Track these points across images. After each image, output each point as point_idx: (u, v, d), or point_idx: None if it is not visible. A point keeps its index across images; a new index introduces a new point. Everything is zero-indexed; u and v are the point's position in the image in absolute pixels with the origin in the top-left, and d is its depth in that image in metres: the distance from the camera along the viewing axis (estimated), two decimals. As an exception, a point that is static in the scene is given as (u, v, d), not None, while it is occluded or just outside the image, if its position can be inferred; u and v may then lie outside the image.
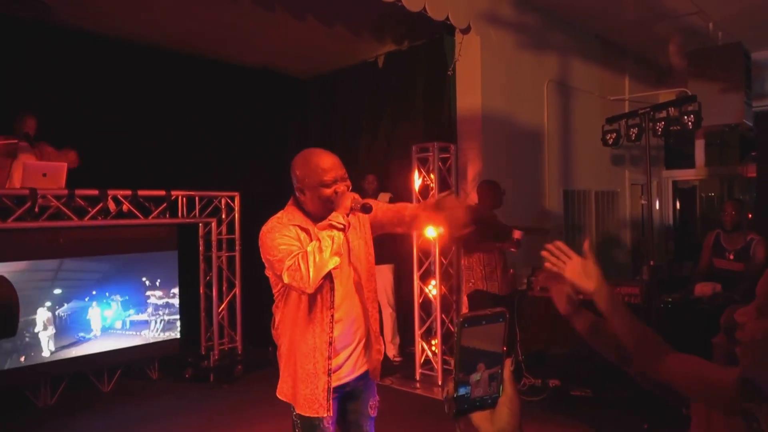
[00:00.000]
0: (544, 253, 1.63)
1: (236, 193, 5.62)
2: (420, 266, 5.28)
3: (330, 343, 2.13)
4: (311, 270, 1.95)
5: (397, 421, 4.26)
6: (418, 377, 5.17)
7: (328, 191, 2.12)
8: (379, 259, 5.79)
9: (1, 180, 4.75)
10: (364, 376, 2.30)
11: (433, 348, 5.26)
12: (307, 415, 2.14)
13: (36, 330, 4.47)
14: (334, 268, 2.04)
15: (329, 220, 2.05)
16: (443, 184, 5.29)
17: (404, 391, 4.97)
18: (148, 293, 5.19)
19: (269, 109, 6.96)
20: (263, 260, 2.13)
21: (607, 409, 4.21)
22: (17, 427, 4.18)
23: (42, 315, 4.51)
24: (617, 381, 4.29)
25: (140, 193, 4.90)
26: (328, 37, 5.90)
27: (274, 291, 2.24)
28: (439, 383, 5.02)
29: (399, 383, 5.11)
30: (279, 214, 2.22)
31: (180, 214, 5.30)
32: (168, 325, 5.28)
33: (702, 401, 1.39)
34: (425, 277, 5.30)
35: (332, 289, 2.13)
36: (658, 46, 7.08)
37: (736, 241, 4.89)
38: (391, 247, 5.63)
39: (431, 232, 5.16)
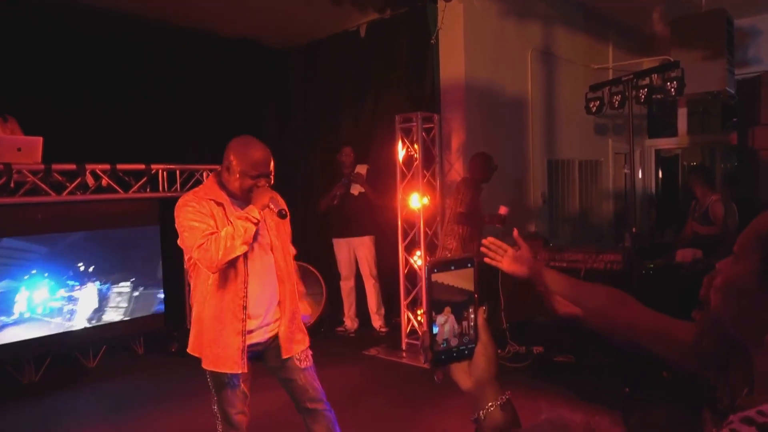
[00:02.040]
0: (482, 249, 1.71)
1: (218, 166, 5.53)
2: (405, 237, 5.28)
3: (244, 307, 2.31)
4: (220, 252, 2.18)
5: (384, 390, 4.31)
6: (404, 347, 5.22)
7: (250, 182, 2.31)
8: (361, 231, 5.85)
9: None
10: (275, 339, 2.43)
11: (419, 318, 5.29)
12: (218, 371, 2.32)
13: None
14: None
15: (246, 213, 2.25)
16: (427, 155, 5.26)
17: (390, 360, 5.01)
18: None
19: (249, 81, 6.84)
20: (177, 230, 2.33)
21: (590, 375, 4.29)
22: (2, 404, 4.15)
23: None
24: (599, 348, 4.36)
25: (119, 167, 4.82)
26: (308, 6, 5.76)
27: (185, 258, 2.48)
28: (424, 362, 5.06)
29: (385, 353, 5.15)
30: (197, 188, 2.43)
31: (161, 188, 5.22)
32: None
33: (661, 353, 1.41)
34: (410, 248, 5.31)
35: (246, 264, 2.32)
36: (641, 13, 7.03)
37: (702, 205, 5.10)
38: (371, 218, 5.62)
39: (415, 203, 5.15)
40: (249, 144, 2.37)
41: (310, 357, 2.51)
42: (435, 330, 0.88)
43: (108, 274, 4.99)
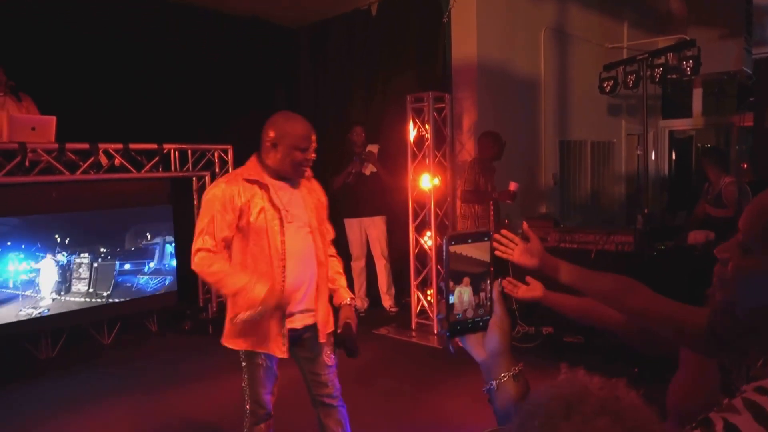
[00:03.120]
0: (494, 243, 1.68)
1: (229, 146, 5.56)
2: (415, 218, 5.28)
3: (282, 291, 2.23)
4: (204, 275, 2.24)
5: (393, 369, 4.36)
6: (413, 326, 5.26)
7: (300, 156, 2.25)
8: (372, 211, 5.86)
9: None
10: (312, 328, 2.37)
11: (429, 298, 5.32)
12: (258, 351, 2.29)
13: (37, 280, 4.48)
14: (288, 221, 2.28)
15: (252, 292, 2.14)
16: (438, 135, 5.24)
17: (400, 340, 5.06)
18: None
19: (260, 60, 6.80)
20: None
21: (599, 355, 4.30)
22: (19, 379, 4.25)
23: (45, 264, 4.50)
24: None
25: (132, 146, 4.83)
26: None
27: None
28: (435, 332, 5.11)
29: (395, 332, 5.20)
30: (238, 169, 2.35)
31: (173, 168, 5.25)
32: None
33: (675, 339, 1.42)
34: (420, 229, 5.31)
35: (283, 245, 2.26)
36: (658, -9, 6.91)
37: (716, 187, 5.05)
38: (383, 198, 5.63)
39: (426, 184, 5.15)
40: (291, 118, 2.32)
41: (332, 354, 2.49)
42: (451, 301, 0.90)
43: (115, 250, 5.04)
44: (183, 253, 5.48)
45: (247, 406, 2.40)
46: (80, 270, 4.82)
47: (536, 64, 6.23)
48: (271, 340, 2.26)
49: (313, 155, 2.31)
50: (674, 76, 4.81)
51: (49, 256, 4.66)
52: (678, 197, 8.56)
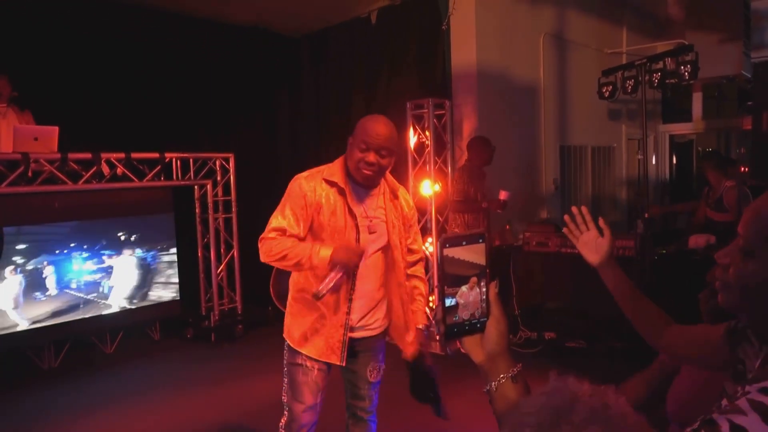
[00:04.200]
0: (565, 217, 1.66)
1: (231, 155, 5.59)
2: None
3: (350, 300, 2.17)
4: (272, 259, 2.10)
5: (397, 374, 4.35)
6: (416, 333, 5.25)
7: (358, 155, 2.10)
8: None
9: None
10: (367, 341, 2.30)
11: (431, 304, 5.32)
12: (313, 356, 2.19)
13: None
14: (365, 231, 2.17)
15: (315, 253, 2.04)
16: (439, 141, 5.26)
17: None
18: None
19: (261, 69, 6.84)
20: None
21: (601, 360, 4.31)
22: (22, 389, 4.26)
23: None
24: (611, 333, 4.37)
25: (134, 155, 4.86)
26: (319, -8, 5.75)
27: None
28: (437, 338, 5.10)
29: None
30: (324, 166, 2.25)
31: (175, 177, 5.28)
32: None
33: (705, 366, 1.43)
34: (421, 235, 5.31)
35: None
36: (656, -4, 6.94)
37: (716, 191, 5.05)
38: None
39: (427, 190, 5.16)
40: (373, 117, 2.20)
41: (381, 371, 2.41)
42: (447, 304, 0.90)
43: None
44: (185, 261, 5.50)
45: (284, 398, 2.29)
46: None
47: (535, 70, 6.26)
48: (330, 348, 2.19)
49: (373, 158, 2.09)
50: (673, 80, 4.82)
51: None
52: (679, 201, 8.56)
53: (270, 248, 2.09)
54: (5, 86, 4.67)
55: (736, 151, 8.53)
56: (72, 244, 4.76)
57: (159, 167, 5.06)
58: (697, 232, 4.76)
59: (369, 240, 2.17)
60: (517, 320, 4.93)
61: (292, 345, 2.24)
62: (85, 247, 4.83)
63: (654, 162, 8.52)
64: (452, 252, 0.89)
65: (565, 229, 1.64)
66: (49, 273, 4.62)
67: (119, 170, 4.82)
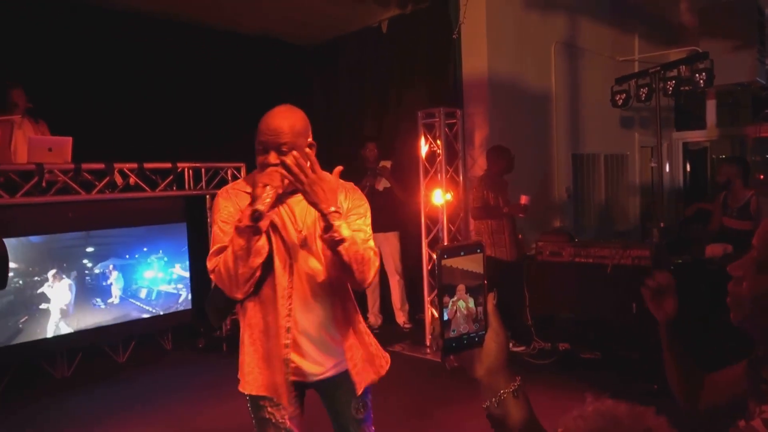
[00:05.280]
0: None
1: (242, 164, 5.61)
2: (428, 233, 5.27)
3: (287, 329, 1.83)
4: (226, 282, 1.75)
5: (408, 386, 4.32)
6: (428, 343, 5.22)
7: (260, 159, 1.79)
8: (386, 227, 5.85)
9: (5, 156, 4.74)
10: (333, 381, 1.95)
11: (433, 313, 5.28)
12: (255, 394, 1.89)
13: (50, 299, 4.52)
14: (303, 246, 1.80)
15: (237, 220, 1.69)
16: (450, 150, 5.24)
17: (414, 356, 5.02)
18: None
19: (272, 78, 6.87)
20: None
21: (617, 371, 4.24)
22: (36, 399, 4.27)
23: (58, 286, 4.56)
24: (626, 343, 4.31)
25: (146, 165, 4.89)
26: (330, 2, 5.78)
27: None
28: (427, 350, 5.05)
29: (409, 349, 5.16)
30: (244, 177, 1.98)
31: (187, 186, 5.30)
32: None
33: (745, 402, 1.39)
34: (433, 244, 5.29)
35: (291, 274, 1.83)
36: (669, 3, 6.90)
37: (739, 199, 4.93)
38: (396, 214, 5.62)
39: (438, 199, 5.14)
40: (269, 112, 1.84)
41: (368, 403, 2.02)
42: (446, 317, 0.87)
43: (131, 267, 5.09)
44: (197, 270, 5.50)
45: None
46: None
47: (547, 78, 6.23)
48: (269, 380, 1.86)
49: (275, 159, 1.76)
50: (687, 88, 4.77)
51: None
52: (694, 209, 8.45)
53: (219, 274, 1.75)
54: (20, 97, 4.72)
55: (751, 158, 8.43)
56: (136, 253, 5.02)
57: (171, 177, 5.09)
58: (712, 241, 4.68)
59: (303, 257, 1.84)
60: (530, 331, 4.87)
61: (246, 392, 1.91)
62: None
63: (668, 170, 8.44)
64: (451, 262, 0.87)
65: (644, 290, 1.50)
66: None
67: (132, 180, 4.85)
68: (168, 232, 5.28)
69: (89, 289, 4.75)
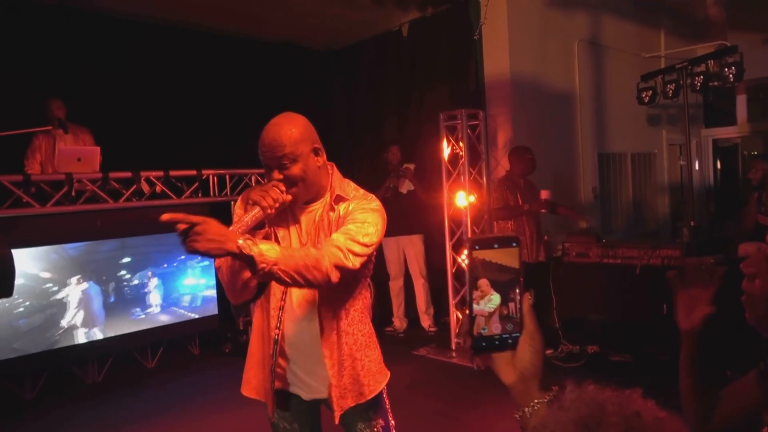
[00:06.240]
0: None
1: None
2: (452, 236, 5.23)
3: (275, 341, 1.78)
4: (225, 286, 1.75)
5: (434, 390, 4.29)
6: (453, 346, 5.18)
7: (269, 174, 1.72)
8: (410, 229, 5.82)
9: (49, 167, 4.87)
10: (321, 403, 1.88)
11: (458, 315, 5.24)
12: (248, 396, 1.93)
13: (81, 306, 4.61)
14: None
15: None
16: (473, 152, 5.20)
17: (440, 360, 4.98)
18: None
19: (293, 84, 6.93)
20: None
21: (648, 374, 4.14)
22: (68, 404, 4.35)
23: (86, 294, 4.65)
24: (657, 345, 4.21)
25: (172, 173, 4.96)
26: (350, 7, 5.80)
27: None
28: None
29: (434, 353, 5.12)
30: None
31: (212, 193, 5.36)
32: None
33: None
34: (457, 247, 5.26)
35: (285, 291, 1.78)
36: (695, -3, 6.76)
37: None
38: (420, 216, 5.60)
39: (462, 201, 5.11)
40: (266, 126, 1.77)
41: (381, 428, 1.90)
42: (476, 313, 0.81)
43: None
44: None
45: None
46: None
47: (571, 77, 6.15)
48: (259, 385, 1.87)
49: (279, 175, 1.70)
50: (716, 83, 4.66)
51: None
52: (725, 207, 8.25)
53: (221, 276, 1.73)
54: (60, 109, 4.84)
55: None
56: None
57: (196, 184, 5.15)
58: (745, 240, 4.55)
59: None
60: (558, 333, 4.80)
61: (243, 393, 1.95)
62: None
63: (697, 167, 8.25)
64: (482, 254, 0.80)
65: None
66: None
67: (158, 188, 4.93)
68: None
69: (129, 300, 4.83)
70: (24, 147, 4.91)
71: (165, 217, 1.44)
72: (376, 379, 1.88)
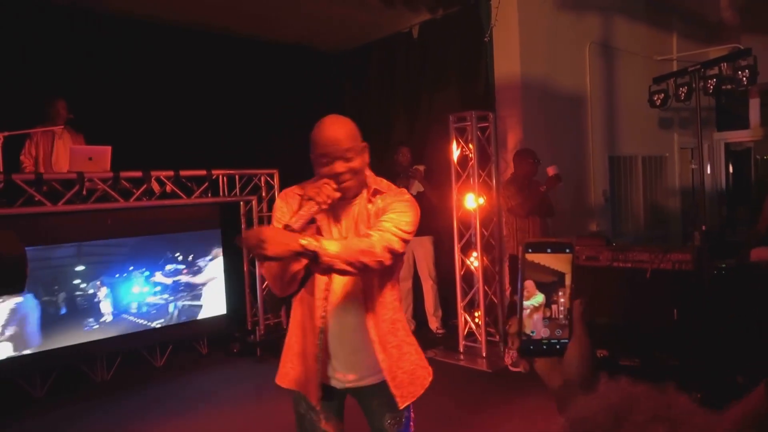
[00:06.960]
0: None
1: (275, 171, 5.67)
2: (461, 238, 5.22)
3: (321, 331, 1.87)
4: (271, 282, 1.82)
5: (441, 392, 4.26)
6: (461, 349, 5.16)
7: (326, 170, 1.80)
8: (419, 231, 5.76)
9: (47, 165, 4.92)
10: (365, 391, 1.96)
11: (476, 320, 5.22)
12: (286, 387, 2.00)
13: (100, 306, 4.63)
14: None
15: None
16: (483, 154, 5.18)
17: (448, 363, 4.96)
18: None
19: (304, 85, 6.94)
20: None
21: (658, 379, 4.10)
22: (77, 402, 4.37)
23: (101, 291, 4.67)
24: (667, 350, 4.17)
25: (182, 173, 4.99)
26: (360, 9, 5.80)
27: None
28: (483, 355, 4.99)
29: (442, 355, 5.11)
30: (305, 183, 1.95)
31: (221, 193, 5.38)
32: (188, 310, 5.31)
33: None
34: (466, 249, 5.24)
35: (330, 276, 1.85)
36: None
37: None
38: (429, 218, 5.58)
39: (471, 203, 5.09)
40: (321, 125, 1.86)
41: (405, 420, 2.03)
42: (525, 315, 0.82)
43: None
44: (231, 276, 5.57)
45: None
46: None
47: (582, 80, 6.12)
48: (303, 376, 1.94)
49: (342, 167, 1.80)
50: (729, 86, 4.61)
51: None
52: (737, 212, 8.17)
53: (268, 272, 1.80)
54: (63, 108, 4.91)
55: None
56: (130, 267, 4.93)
57: (206, 184, 5.17)
58: (758, 245, 4.50)
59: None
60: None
61: (279, 384, 2.03)
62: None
63: (709, 171, 8.18)
64: (535, 258, 0.81)
65: None
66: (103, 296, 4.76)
67: (168, 187, 4.95)
68: (202, 239, 5.36)
69: (82, 311, 4.66)
70: (20, 144, 4.92)
71: (237, 239, 1.64)
72: (428, 371, 2.08)
